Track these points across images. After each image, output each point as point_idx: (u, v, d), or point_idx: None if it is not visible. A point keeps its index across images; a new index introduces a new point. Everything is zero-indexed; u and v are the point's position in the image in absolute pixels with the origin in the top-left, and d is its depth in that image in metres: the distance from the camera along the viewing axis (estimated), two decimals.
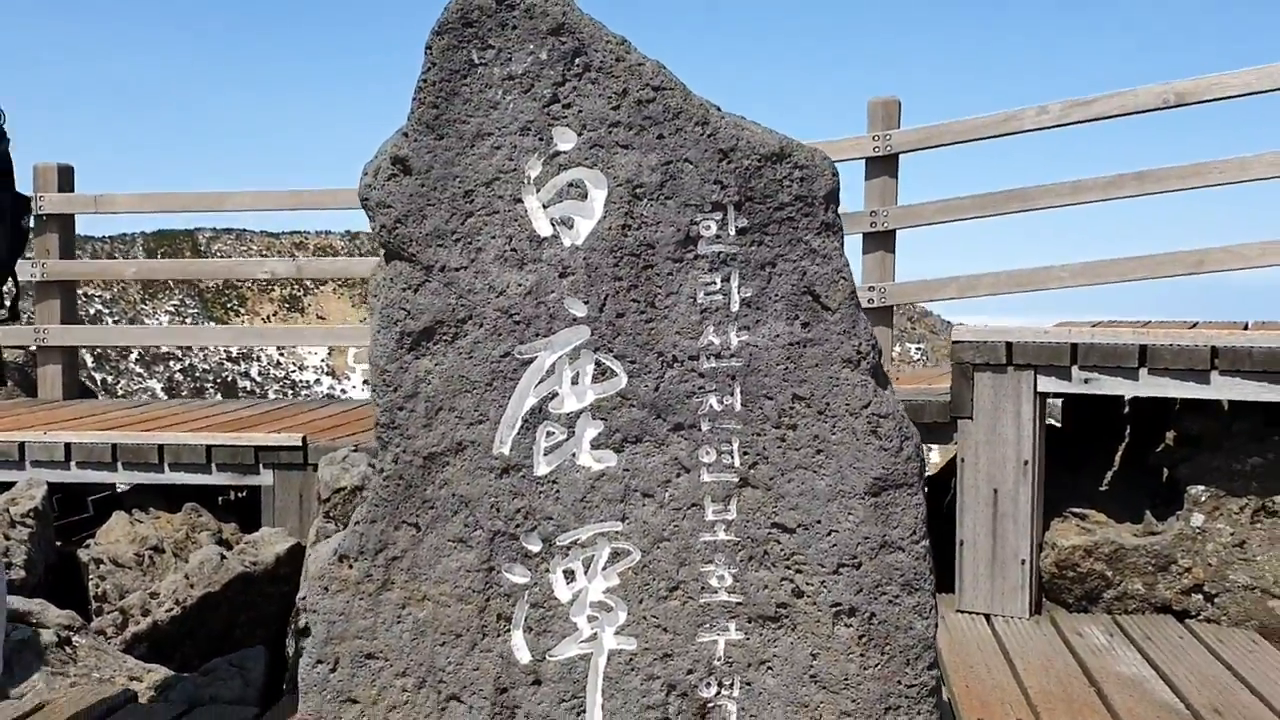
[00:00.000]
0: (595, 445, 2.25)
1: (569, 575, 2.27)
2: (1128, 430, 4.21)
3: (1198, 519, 3.67)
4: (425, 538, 2.29)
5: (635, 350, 2.23)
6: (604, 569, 2.26)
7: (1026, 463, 3.69)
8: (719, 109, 2.27)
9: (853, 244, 5.47)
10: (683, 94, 2.22)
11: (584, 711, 2.26)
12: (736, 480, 2.23)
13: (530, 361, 2.25)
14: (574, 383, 2.25)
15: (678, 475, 2.24)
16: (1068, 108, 5.08)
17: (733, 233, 2.21)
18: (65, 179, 5.86)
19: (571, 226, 2.24)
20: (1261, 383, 3.43)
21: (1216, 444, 3.71)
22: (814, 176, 2.21)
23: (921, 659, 2.19)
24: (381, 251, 2.33)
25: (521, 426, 2.26)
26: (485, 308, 2.25)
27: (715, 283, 2.23)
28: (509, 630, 2.28)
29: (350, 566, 2.31)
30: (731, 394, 2.23)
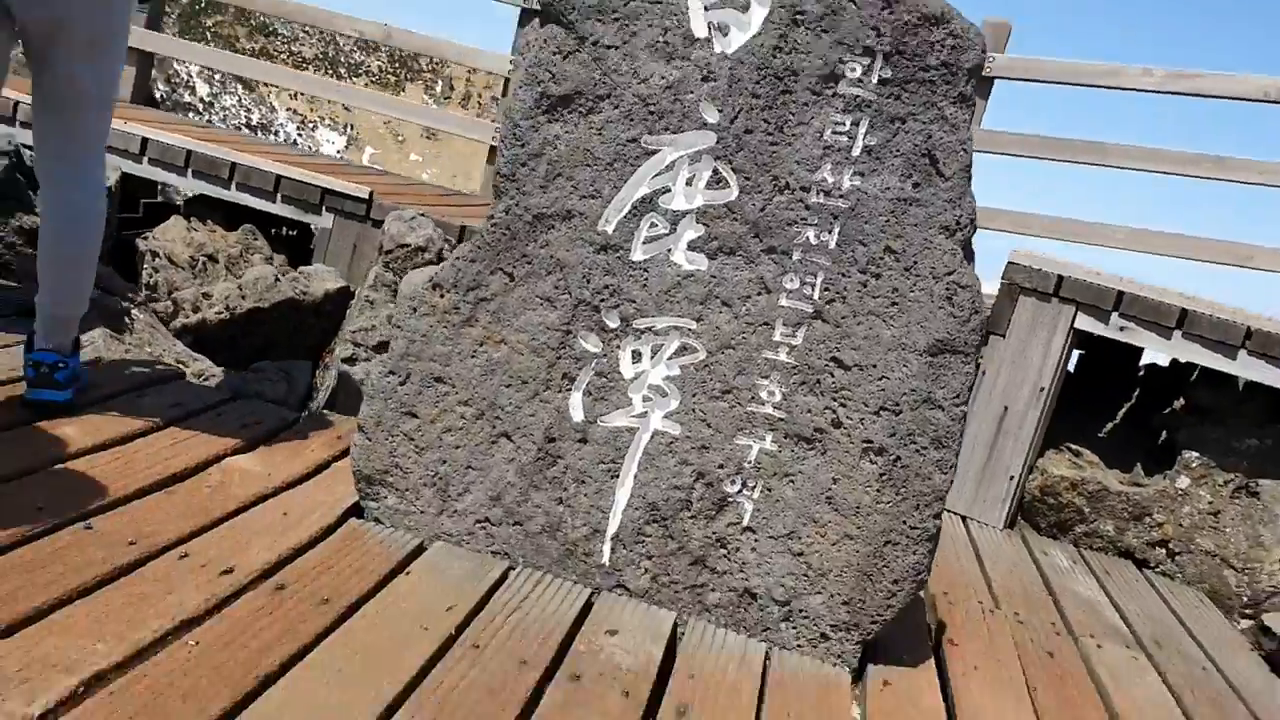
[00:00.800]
0: (691, 247, 2.41)
1: (636, 356, 2.45)
2: (1137, 391, 4.41)
3: (1183, 481, 3.89)
4: (516, 288, 2.46)
5: (753, 168, 2.37)
6: (669, 358, 2.44)
7: (1042, 389, 3.88)
8: None
9: None
10: None
11: (617, 475, 2.48)
12: (811, 311, 2.40)
13: (654, 153, 2.38)
14: (688, 184, 2.39)
15: (759, 293, 2.41)
16: (1172, 76, 5.11)
17: (875, 80, 2.33)
18: None
19: (726, 34, 2.34)
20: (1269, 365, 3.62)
21: (1222, 419, 3.91)
22: (965, 47, 2.32)
23: (931, 507, 2.41)
24: (539, 11, 2.43)
25: (630, 211, 2.40)
26: (625, 91, 2.37)
27: (845, 124, 2.35)
28: (570, 390, 2.47)
29: (442, 295, 2.48)
30: (830, 232, 2.37)
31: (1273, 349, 3.63)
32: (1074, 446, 4.09)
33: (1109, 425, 4.31)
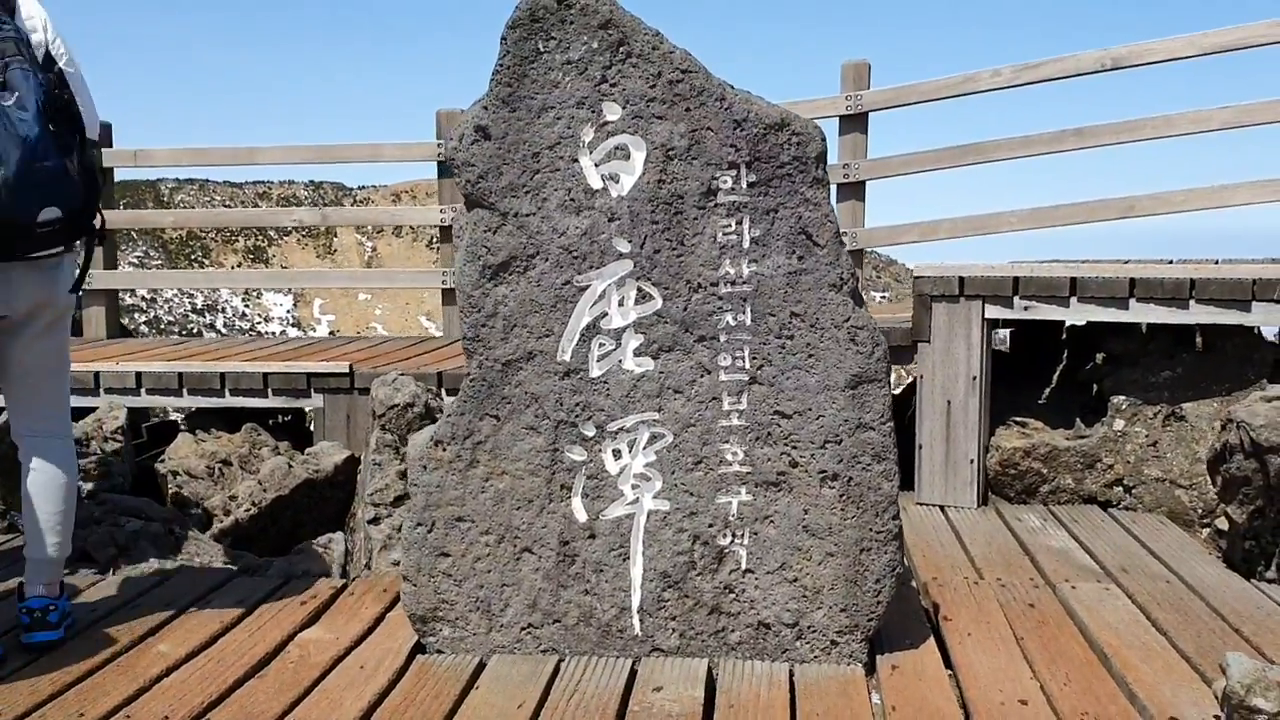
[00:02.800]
0: (637, 353, 2.88)
1: (617, 454, 2.92)
2: (1064, 355, 4.91)
3: (1119, 424, 4.37)
4: (504, 426, 2.92)
5: (668, 279, 2.86)
6: (644, 448, 2.91)
7: (975, 378, 4.37)
8: (733, 87, 2.89)
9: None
10: (704, 75, 2.83)
11: (628, 557, 2.92)
12: (747, 379, 2.88)
13: (586, 288, 2.87)
14: (620, 304, 2.88)
15: (701, 376, 2.89)
16: (1018, 71, 5.70)
17: (745, 185, 2.84)
18: (104, 135, 6.37)
19: (618, 181, 2.85)
20: (1170, 307, 4.12)
21: (1135, 361, 4.40)
22: (807, 141, 2.84)
23: (888, 511, 2.87)
24: (465, 198, 2.94)
25: (580, 339, 2.89)
26: (550, 245, 2.87)
27: (731, 225, 2.85)
28: (570, 497, 2.93)
29: (444, 449, 2.94)
30: (744, 312, 2.86)
31: (1156, 292, 4.14)
32: (1020, 419, 4.57)
33: (1047, 390, 4.80)
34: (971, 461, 4.42)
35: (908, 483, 4.54)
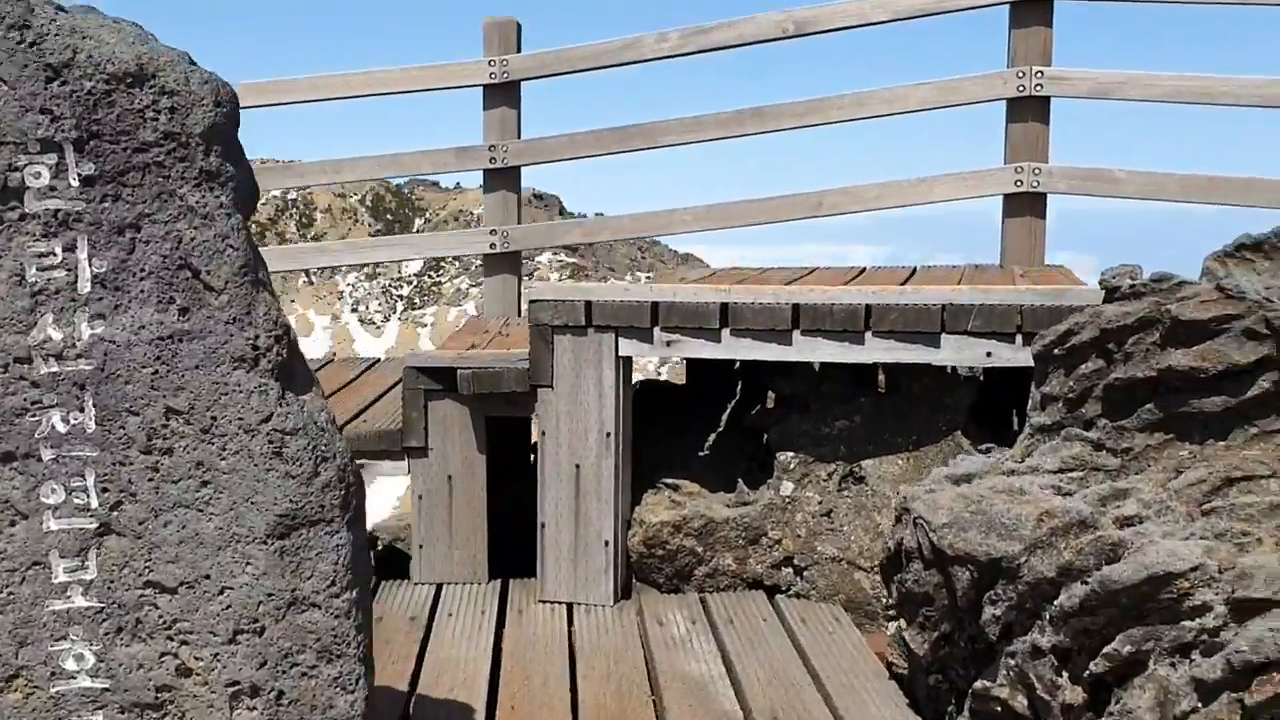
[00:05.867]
0: None
1: None
2: (739, 387, 3.94)
3: (787, 487, 3.43)
4: None
5: None
6: None
7: (609, 435, 3.31)
8: (59, 7, 1.62)
9: (474, 181, 4.89)
10: None
11: None
12: (95, 526, 1.63)
13: None
14: None
15: (11, 524, 1.61)
16: (687, 35, 4.72)
17: (74, 182, 1.58)
18: None
19: None
20: (842, 342, 3.20)
21: (805, 405, 3.47)
22: (188, 107, 1.61)
23: None
24: None
25: None
26: None
27: (53, 252, 1.60)
28: None
29: None
30: (81, 409, 1.61)
31: (823, 323, 3.20)
32: (671, 481, 3.55)
33: (713, 436, 3.81)
34: (607, 544, 3.36)
35: (531, 571, 3.44)
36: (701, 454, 3.77)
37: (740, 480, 3.56)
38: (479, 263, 5.14)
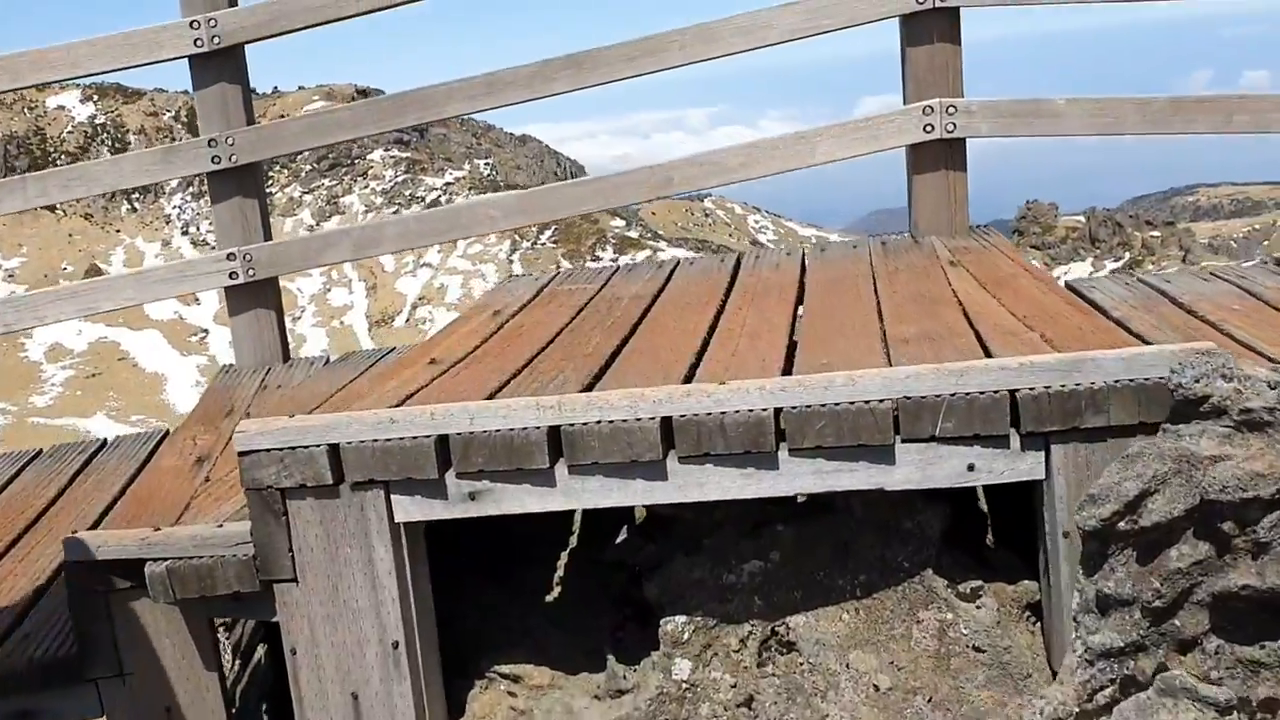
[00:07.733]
0: None
1: None
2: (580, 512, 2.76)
3: (683, 667, 2.32)
4: None
5: None
6: None
7: (397, 644, 2.12)
8: None
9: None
10: None
11: None
12: None
13: None
14: None
15: None
16: None
17: None
18: None
19: None
20: (745, 470, 2.04)
21: (695, 542, 2.33)
22: None
23: None
24: None
25: None
26: None
27: None
28: None
29: None
30: None
31: (715, 443, 2.02)
32: (506, 669, 2.36)
33: (557, 579, 2.63)
34: None
35: None
36: (546, 603, 2.59)
37: (609, 652, 2.40)
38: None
